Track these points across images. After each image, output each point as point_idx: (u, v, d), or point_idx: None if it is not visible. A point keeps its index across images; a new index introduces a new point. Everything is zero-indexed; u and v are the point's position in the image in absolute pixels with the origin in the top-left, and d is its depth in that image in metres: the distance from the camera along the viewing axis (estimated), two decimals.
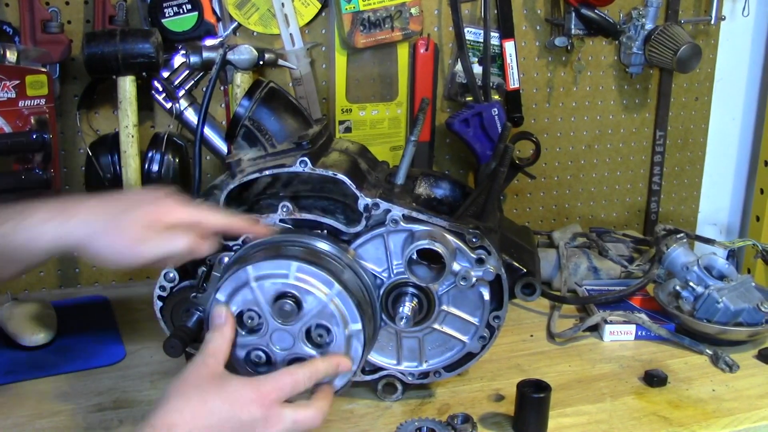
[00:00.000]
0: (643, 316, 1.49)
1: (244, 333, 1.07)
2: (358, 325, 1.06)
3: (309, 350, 1.06)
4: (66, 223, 1.03)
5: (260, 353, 1.08)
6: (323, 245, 1.12)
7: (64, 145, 1.57)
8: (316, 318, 1.05)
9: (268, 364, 1.07)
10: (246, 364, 1.08)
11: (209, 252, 1.10)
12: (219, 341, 1.02)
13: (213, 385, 0.96)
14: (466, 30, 1.76)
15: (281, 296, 1.05)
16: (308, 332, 1.06)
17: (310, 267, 1.05)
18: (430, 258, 1.14)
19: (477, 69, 1.77)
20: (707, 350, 1.43)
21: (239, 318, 1.06)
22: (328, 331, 1.06)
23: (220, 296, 1.06)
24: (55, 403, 1.22)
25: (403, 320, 1.15)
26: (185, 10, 1.53)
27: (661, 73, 1.98)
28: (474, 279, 1.15)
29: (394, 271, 1.17)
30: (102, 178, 1.52)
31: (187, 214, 1.09)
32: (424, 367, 1.23)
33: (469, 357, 1.23)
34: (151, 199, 1.10)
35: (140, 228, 1.05)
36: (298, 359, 1.06)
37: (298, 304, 1.05)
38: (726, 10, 1.97)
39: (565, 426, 1.20)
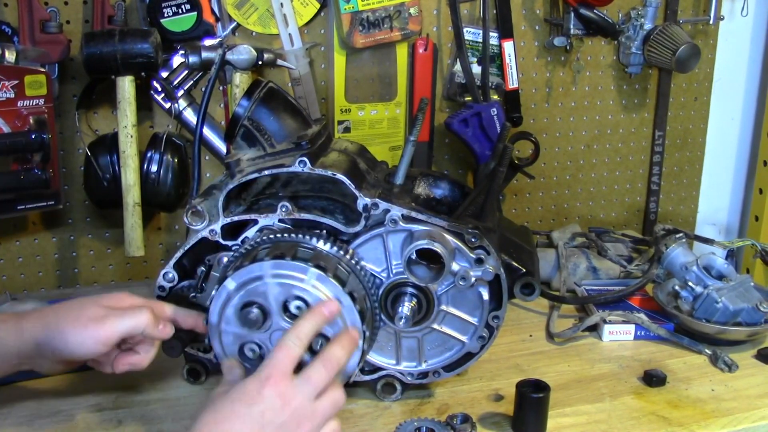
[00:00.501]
0: (642, 316, 1.49)
1: (243, 326, 1.06)
2: (360, 340, 1.06)
3: (305, 355, 1.06)
4: (20, 322, 1.08)
5: (254, 347, 1.08)
6: (322, 245, 1.12)
7: (63, 145, 1.57)
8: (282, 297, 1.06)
9: (259, 360, 1.07)
10: (240, 357, 1.08)
11: (169, 335, 1.12)
12: (231, 378, 1.04)
13: (221, 396, 0.96)
14: (465, 30, 1.76)
15: (292, 298, 1.05)
16: (287, 310, 1.06)
17: (328, 277, 1.05)
18: (429, 258, 1.14)
19: (476, 69, 1.77)
20: (706, 350, 1.43)
21: (244, 307, 1.06)
22: (328, 339, 1.05)
23: (231, 283, 1.05)
24: (54, 403, 1.22)
25: (403, 320, 1.15)
26: (184, 10, 1.53)
27: (660, 73, 1.98)
28: (473, 279, 1.15)
29: (393, 271, 1.17)
30: (101, 178, 1.52)
31: (140, 300, 1.14)
32: (424, 367, 1.24)
33: (468, 357, 1.23)
34: (100, 295, 1.14)
35: (97, 308, 1.09)
36: None
37: (262, 308, 1.06)
38: (725, 10, 1.97)
39: (564, 426, 1.20)
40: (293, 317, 1.05)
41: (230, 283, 1.06)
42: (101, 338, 1.07)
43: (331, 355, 1.01)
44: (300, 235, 1.12)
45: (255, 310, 1.05)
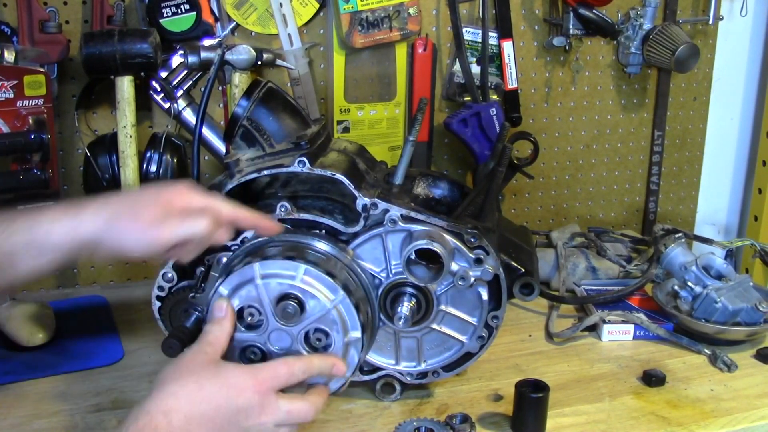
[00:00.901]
0: (642, 315, 1.49)
1: (243, 329, 1.07)
2: (358, 333, 1.07)
3: (306, 353, 1.06)
4: (77, 216, 1.00)
5: (256, 350, 1.08)
6: (322, 245, 1.12)
7: (62, 145, 1.57)
8: (317, 322, 1.06)
9: (262, 362, 1.07)
10: (241, 360, 1.08)
11: (227, 240, 1.08)
12: (217, 332, 1.02)
13: (209, 371, 0.96)
14: (464, 30, 1.76)
15: (285, 297, 1.05)
16: (306, 335, 1.06)
17: (318, 272, 1.05)
18: (428, 258, 1.14)
19: (475, 69, 1.77)
20: (705, 350, 1.43)
21: (240, 313, 1.06)
22: (327, 335, 1.06)
23: (224, 290, 1.06)
24: (53, 404, 1.22)
25: (402, 320, 1.15)
26: (183, 10, 1.53)
27: (660, 73, 1.98)
28: (472, 279, 1.15)
29: (393, 271, 1.17)
30: (100, 179, 1.52)
31: (202, 199, 1.06)
32: (423, 367, 1.23)
33: (467, 357, 1.23)
34: (163, 186, 1.07)
35: (156, 210, 1.01)
36: None
37: (301, 306, 1.05)
38: (724, 10, 1.97)
39: (563, 426, 1.20)
40: (289, 317, 1.05)
41: (222, 290, 1.06)
42: (157, 242, 1.01)
43: (316, 403, 1.01)
44: (299, 236, 1.12)
45: (250, 314, 1.06)
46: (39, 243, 0.99)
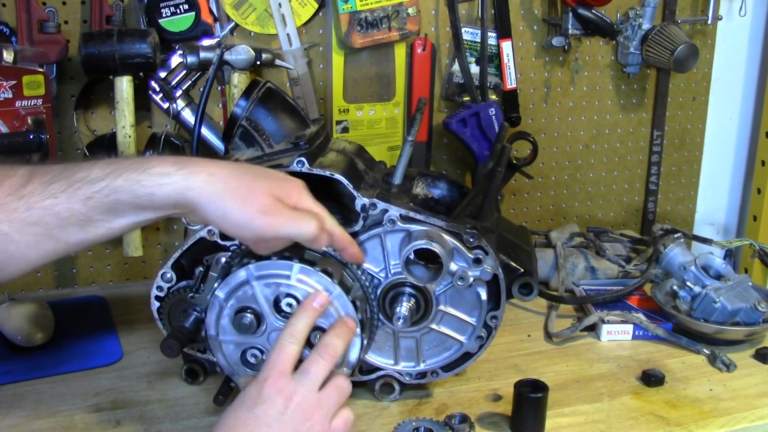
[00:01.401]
0: (641, 315, 1.49)
1: (240, 332, 1.07)
2: (356, 330, 1.06)
3: (305, 351, 1.06)
4: (189, 177, 0.94)
5: (256, 352, 1.08)
6: None
7: (61, 145, 1.57)
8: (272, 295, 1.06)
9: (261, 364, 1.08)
10: (242, 364, 1.08)
11: (323, 247, 1.03)
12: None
13: (226, 411, 0.97)
14: (463, 30, 1.76)
15: (282, 296, 1.05)
16: (278, 308, 1.06)
17: (312, 269, 1.05)
18: (427, 258, 1.14)
19: (474, 69, 1.77)
20: (704, 350, 1.43)
21: (237, 313, 1.06)
22: (296, 298, 1.06)
23: (221, 293, 1.06)
24: (52, 404, 1.22)
25: (401, 320, 1.15)
26: (182, 11, 1.53)
27: (659, 73, 1.99)
28: (471, 279, 1.15)
29: (392, 271, 1.17)
30: None
31: (313, 203, 1.02)
32: (422, 367, 1.23)
33: (466, 357, 1.23)
34: (280, 174, 1.04)
35: (270, 198, 0.97)
36: None
37: (256, 314, 1.06)
38: (723, 10, 1.97)
39: (562, 426, 1.20)
40: (287, 316, 1.05)
41: (220, 293, 1.06)
42: (262, 233, 0.97)
43: (326, 344, 1.01)
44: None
45: (249, 316, 1.06)
46: (142, 201, 0.94)
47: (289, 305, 1.05)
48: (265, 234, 0.97)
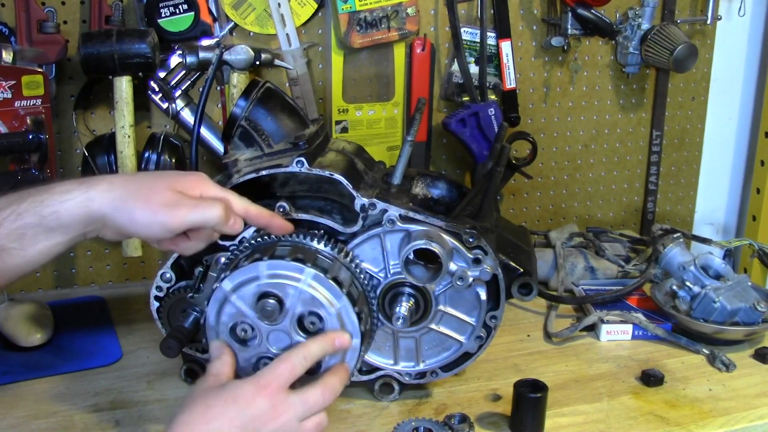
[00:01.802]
0: (640, 315, 1.49)
1: (243, 347, 1.06)
2: (343, 300, 1.05)
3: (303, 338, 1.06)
4: (89, 191, 0.97)
5: (267, 361, 1.07)
6: (320, 245, 1.12)
7: (60, 145, 1.57)
8: (300, 307, 1.05)
9: (252, 343, 1.07)
10: (229, 333, 1.08)
11: (239, 230, 1.06)
12: (218, 365, 1.03)
13: (214, 392, 0.96)
14: (462, 30, 1.76)
15: (261, 297, 1.05)
16: (301, 323, 1.06)
17: (278, 261, 1.05)
18: (426, 258, 1.14)
19: (474, 69, 1.77)
20: (704, 350, 1.43)
21: (233, 331, 1.06)
22: (319, 317, 1.05)
23: (228, 284, 1.05)
24: (51, 404, 1.22)
25: (400, 320, 1.15)
26: (181, 11, 1.53)
27: (658, 72, 1.99)
28: (471, 279, 1.15)
29: (391, 271, 1.17)
30: None
31: (217, 190, 1.05)
32: (421, 367, 1.23)
33: (466, 357, 1.23)
34: (178, 173, 1.06)
35: (171, 192, 1.00)
36: None
37: (279, 300, 1.05)
38: (722, 10, 1.97)
39: (562, 426, 1.20)
40: (271, 315, 1.04)
41: (227, 284, 1.05)
42: (169, 226, 0.98)
43: (331, 384, 1.01)
44: (297, 236, 1.12)
45: (271, 301, 1.05)
46: (48, 222, 0.96)
47: (312, 323, 1.05)
48: (172, 226, 0.99)
